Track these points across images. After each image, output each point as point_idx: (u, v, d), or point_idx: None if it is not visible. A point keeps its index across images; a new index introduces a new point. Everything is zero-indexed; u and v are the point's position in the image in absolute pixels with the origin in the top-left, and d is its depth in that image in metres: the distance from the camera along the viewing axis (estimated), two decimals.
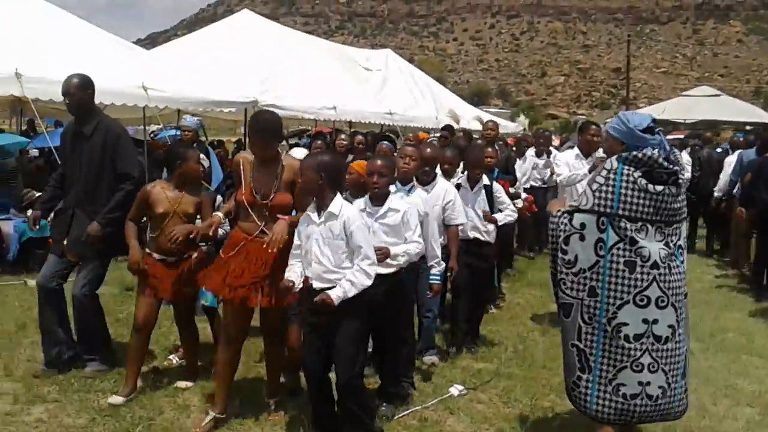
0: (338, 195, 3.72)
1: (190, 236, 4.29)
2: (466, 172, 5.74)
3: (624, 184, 3.50)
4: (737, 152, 9.78)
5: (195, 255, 4.51)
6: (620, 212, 3.50)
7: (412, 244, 4.19)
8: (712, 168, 10.59)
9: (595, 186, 3.58)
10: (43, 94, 7.68)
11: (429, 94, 17.67)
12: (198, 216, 4.54)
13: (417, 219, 4.26)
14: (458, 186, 5.50)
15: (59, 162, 4.97)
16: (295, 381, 4.57)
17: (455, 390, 4.67)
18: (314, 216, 3.70)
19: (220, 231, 4.36)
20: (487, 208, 5.64)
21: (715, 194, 10.06)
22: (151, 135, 12.59)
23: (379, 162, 4.23)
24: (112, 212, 4.61)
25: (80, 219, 4.66)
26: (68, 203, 4.78)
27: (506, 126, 19.62)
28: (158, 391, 4.52)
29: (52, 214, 5.00)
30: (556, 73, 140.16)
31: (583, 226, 3.57)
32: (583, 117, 72.19)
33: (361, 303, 3.64)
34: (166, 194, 4.43)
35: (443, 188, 5.06)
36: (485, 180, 5.72)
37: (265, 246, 3.84)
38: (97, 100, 8.12)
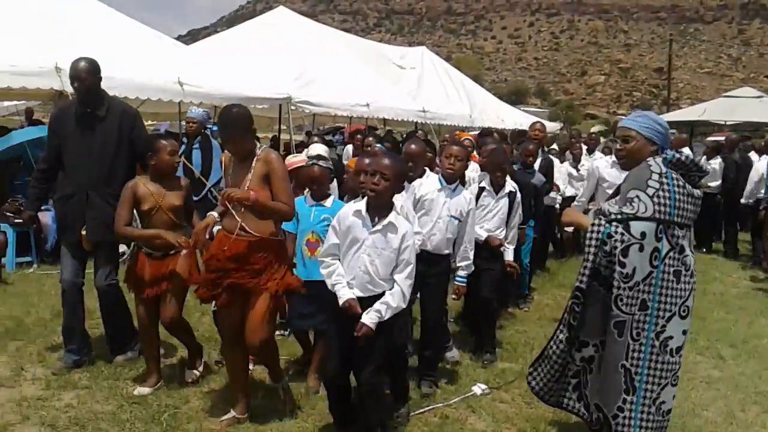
0: (396, 203, 3.63)
1: (180, 242, 4.26)
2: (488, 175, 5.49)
3: (676, 189, 3.35)
4: (764, 157, 9.52)
5: (183, 251, 4.37)
6: (675, 219, 3.34)
7: (395, 292, 3.55)
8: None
9: (651, 191, 3.33)
10: None
11: (464, 92, 17.61)
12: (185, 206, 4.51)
13: (413, 253, 3.65)
14: (482, 189, 5.39)
15: (51, 150, 4.73)
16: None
17: (478, 389, 4.67)
18: (368, 221, 3.51)
19: (216, 229, 4.19)
20: (504, 217, 5.40)
21: (742, 201, 9.81)
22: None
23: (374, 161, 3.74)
24: None
25: (96, 203, 4.54)
26: (78, 187, 4.59)
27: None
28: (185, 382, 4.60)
29: (52, 202, 4.82)
30: (597, 72, 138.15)
31: (643, 235, 3.31)
32: (625, 117, 71.20)
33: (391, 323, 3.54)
34: (148, 189, 4.34)
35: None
36: (510, 186, 5.45)
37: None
38: (133, 95, 8.45)
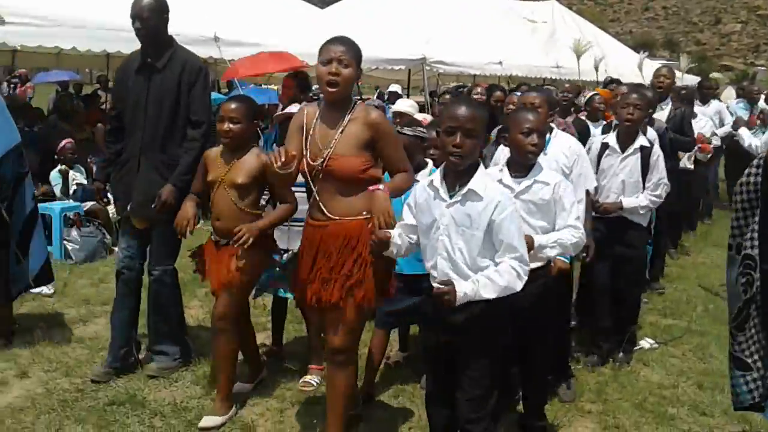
0: (481, 165, 2.71)
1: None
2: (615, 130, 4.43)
3: None
4: None
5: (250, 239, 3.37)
6: None
7: (566, 230, 3.07)
8: None
9: None
10: (237, 56, 8.34)
11: (597, 46, 16.91)
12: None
13: (573, 196, 3.17)
14: (605, 145, 4.33)
15: (115, 107, 4.12)
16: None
17: (646, 343, 4.65)
18: (442, 191, 2.65)
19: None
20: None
21: None
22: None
23: (529, 116, 3.14)
24: (187, 173, 3.72)
25: (147, 173, 3.77)
26: (131, 153, 3.84)
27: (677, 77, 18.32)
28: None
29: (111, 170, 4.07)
30: (732, 20, 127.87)
31: None
32: (763, 68, 65.64)
33: (498, 328, 2.69)
34: (219, 157, 3.52)
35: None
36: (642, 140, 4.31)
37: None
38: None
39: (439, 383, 2.82)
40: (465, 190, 2.59)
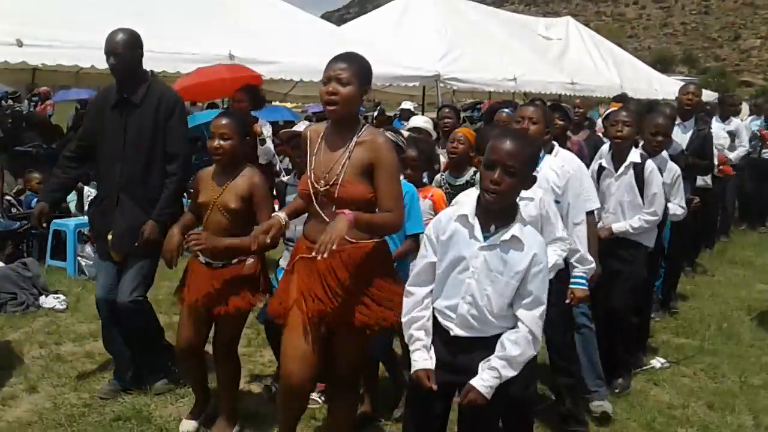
0: (520, 207, 2.52)
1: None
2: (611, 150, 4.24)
3: None
4: None
5: (249, 260, 3.31)
6: None
7: (555, 247, 3.02)
8: None
9: None
10: None
11: (612, 63, 16.90)
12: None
13: (554, 206, 3.11)
14: (601, 166, 4.22)
15: (84, 134, 4.01)
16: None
17: (657, 362, 4.59)
18: (477, 231, 2.44)
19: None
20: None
21: None
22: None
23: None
24: (168, 207, 3.74)
25: (127, 208, 3.74)
26: (108, 189, 3.82)
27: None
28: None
29: (87, 206, 4.05)
30: (752, 35, 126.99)
31: None
32: None
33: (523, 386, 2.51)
34: (210, 178, 3.41)
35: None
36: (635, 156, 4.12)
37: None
38: (297, 77, 8.98)
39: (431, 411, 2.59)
40: (507, 236, 2.40)
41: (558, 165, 3.46)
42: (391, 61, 10.70)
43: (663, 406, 4.00)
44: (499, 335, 2.44)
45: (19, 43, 6.37)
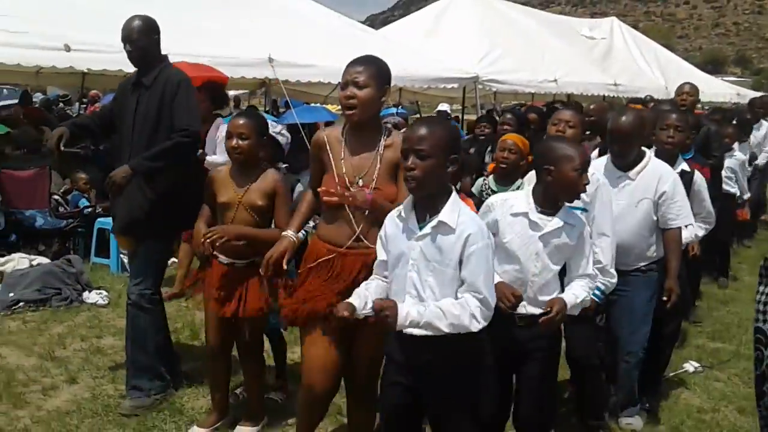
0: (454, 193, 2.43)
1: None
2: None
3: None
4: None
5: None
6: None
7: (585, 283, 2.80)
8: None
9: None
10: (291, 77, 8.58)
11: (656, 64, 16.61)
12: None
13: (590, 240, 2.88)
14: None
15: (105, 113, 4.11)
16: None
17: (690, 366, 4.53)
18: (412, 222, 2.40)
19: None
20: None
21: None
22: None
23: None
24: (152, 159, 3.62)
25: (129, 191, 3.66)
26: None
27: (745, 95, 17.72)
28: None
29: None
30: None
31: None
32: None
33: (475, 378, 2.43)
34: (230, 177, 3.39)
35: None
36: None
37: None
38: (335, 80, 9.07)
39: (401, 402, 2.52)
40: (435, 221, 2.32)
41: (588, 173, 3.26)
42: (429, 62, 10.75)
43: (693, 410, 3.95)
44: (449, 335, 2.29)
45: (67, 48, 6.61)
